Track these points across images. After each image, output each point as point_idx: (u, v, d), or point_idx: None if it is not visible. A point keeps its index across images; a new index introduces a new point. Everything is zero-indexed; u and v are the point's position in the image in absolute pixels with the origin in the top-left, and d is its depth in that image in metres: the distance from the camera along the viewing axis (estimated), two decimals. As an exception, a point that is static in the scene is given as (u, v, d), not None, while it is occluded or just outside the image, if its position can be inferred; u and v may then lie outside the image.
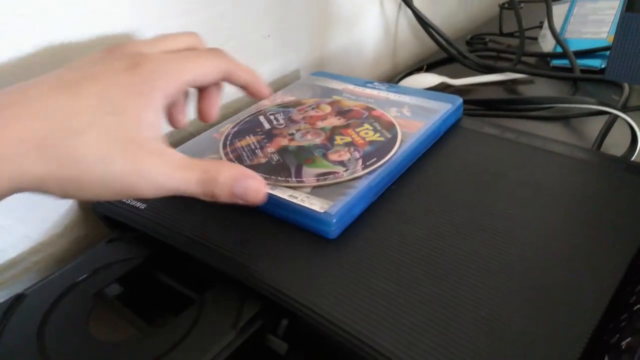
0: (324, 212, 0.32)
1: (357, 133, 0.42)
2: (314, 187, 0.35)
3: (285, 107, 0.47)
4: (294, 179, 0.36)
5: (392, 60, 0.76)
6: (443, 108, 0.44)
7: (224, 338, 0.28)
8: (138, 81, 0.27)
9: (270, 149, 0.40)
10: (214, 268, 0.32)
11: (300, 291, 0.29)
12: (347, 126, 0.43)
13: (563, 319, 0.27)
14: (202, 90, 0.34)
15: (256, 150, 0.40)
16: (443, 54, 0.72)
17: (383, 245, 0.32)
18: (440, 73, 0.67)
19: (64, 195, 0.25)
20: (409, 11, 0.70)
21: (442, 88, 0.66)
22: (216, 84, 0.34)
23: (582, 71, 0.65)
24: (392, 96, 0.47)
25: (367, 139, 0.40)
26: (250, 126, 0.44)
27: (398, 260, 0.31)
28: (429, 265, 0.30)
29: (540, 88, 0.65)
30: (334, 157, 0.38)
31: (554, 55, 0.70)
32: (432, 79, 0.66)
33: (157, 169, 0.26)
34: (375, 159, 0.38)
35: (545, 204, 0.35)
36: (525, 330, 0.26)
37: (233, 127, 0.44)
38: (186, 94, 0.35)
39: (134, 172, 0.25)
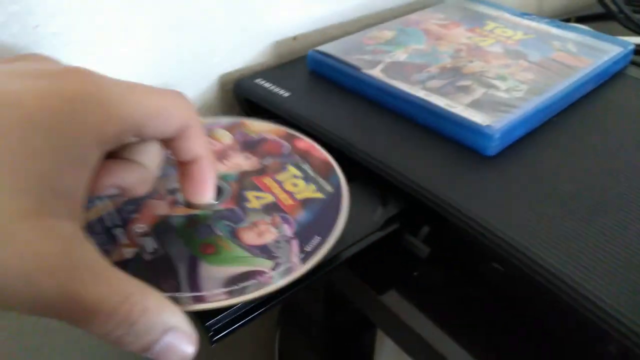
0: (487, 125, 0.30)
1: (281, 184, 0.28)
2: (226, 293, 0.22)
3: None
4: (187, 292, 0.22)
5: (537, 7, 0.71)
6: (613, 50, 0.40)
7: (367, 228, 0.28)
8: None
9: (140, 225, 0.25)
10: (359, 163, 0.31)
11: (451, 195, 0.27)
12: (262, 171, 0.29)
13: None
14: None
15: (114, 231, 0.25)
16: (596, 8, 0.66)
17: (543, 172, 0.30)
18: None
19: None
20: (569, -46, 0.64)
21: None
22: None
23: None
24: (554, 31, 0.43)
25: (298, 196, 0.28)
26: None
27: (560, 189, 0.28)
28: (595, 199, 0.28)
29: None
30: (249, 237, 0.25)
31: None
32: (583, 30, 0.60)
33: None
34: (317, 240, 0.25)
35: None
36: None
37: None
38: None
39: None
